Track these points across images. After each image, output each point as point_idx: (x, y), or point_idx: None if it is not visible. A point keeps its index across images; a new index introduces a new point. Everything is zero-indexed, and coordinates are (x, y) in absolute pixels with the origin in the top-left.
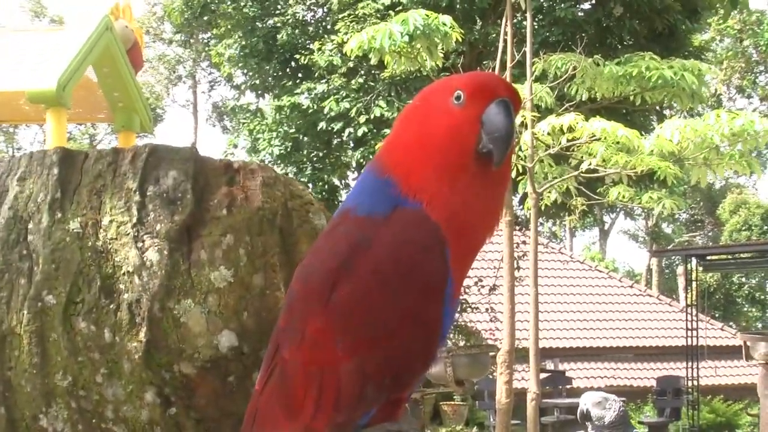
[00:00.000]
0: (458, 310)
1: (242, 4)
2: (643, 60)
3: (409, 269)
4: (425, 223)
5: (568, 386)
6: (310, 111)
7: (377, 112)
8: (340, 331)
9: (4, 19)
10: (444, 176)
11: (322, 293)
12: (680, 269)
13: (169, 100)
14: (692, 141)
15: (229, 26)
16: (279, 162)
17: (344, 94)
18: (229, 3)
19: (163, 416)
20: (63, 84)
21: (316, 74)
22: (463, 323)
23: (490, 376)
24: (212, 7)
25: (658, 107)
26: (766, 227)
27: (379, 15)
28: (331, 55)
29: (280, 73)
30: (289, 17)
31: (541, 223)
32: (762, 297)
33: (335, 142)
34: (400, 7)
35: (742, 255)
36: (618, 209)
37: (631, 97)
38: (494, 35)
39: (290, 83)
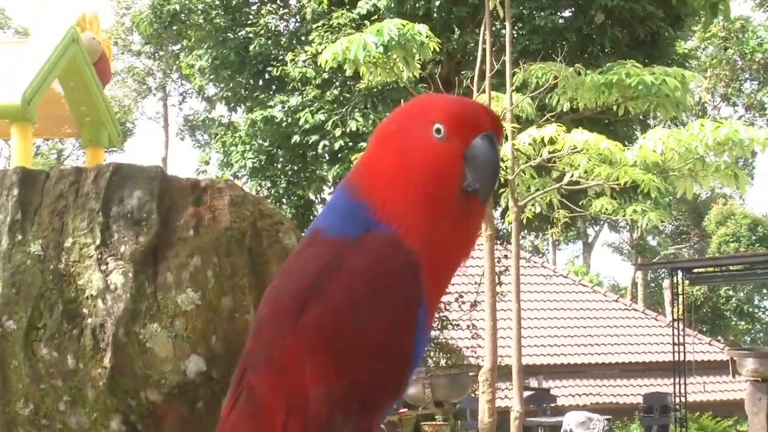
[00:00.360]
0: (439, 327)
1: (213, 14)
2: (624, 67)
3: (381, 293)
4: (398, 247)
5: (552, 404)
6: (284, 124)
7: (353, 125)
8: (308, 355)
9: None
10: (424, 211)
11: (290, 315)
12: (666, 283)
13: (138, 113)
14: (676, 151)
15: (199, 37)
16: (253, 176)
17: (319, 107)
18: (199, 13)
19: None
20: (28, 98)
21: (290, 86)
22: (443, 340)
23: (473, 395)
24: (182, 17)
25: (641, 117)
26: (754, 238)
27: (353, 25)
28: (305, 67)
29: (252, 85)
30: (261, 28)
31: (523, 237)
32: (750, 310)
33: (310, 155)
34: (376, 17)
35: (729, 267)
36: (602, 222)
37: (614, 107)
38: (473, 44)
39: (263, 95)
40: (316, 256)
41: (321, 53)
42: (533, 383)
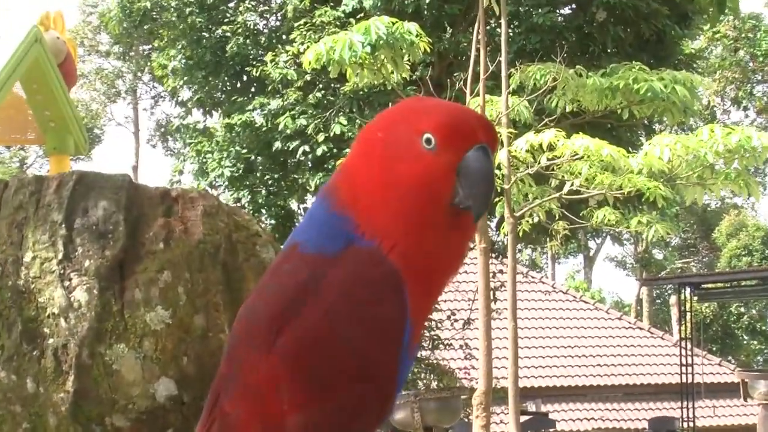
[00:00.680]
0: (430, 347)
1: (187, 11)
2: (631, 71)
3: (362, 312)
4: (382, 264)
5: (551, 429)
6: (264, 129)
7: (337, 129)
8: (286, 380)
9: None
10: (410, 227)
11: (266, 337)
12: (673, 299)
13: (106, 118)
14: (684, 159)
15: (172, 36)
16: (230, 185)
17: (301, 110)
18: (172, 11)
19: None
20: None
21: (270, 88)
22: (435, 361)
23: (465, 420)
24: (153, 15)
25: (646, 121)
26: (767, 252)
27: (338, 23)
28: (286, 68)
29: (229, 88)
30: (239, 26)
31: (520, 250)
32: (763, 328)
33: (292, 162)
34: (362, 15)
35: (741, 283)
36: (604, 234)
37: (618, 111)
38: (466, 44)
39: (241, 99)
40: (293, 273)
41: (303, 53)
42: (531, 407)
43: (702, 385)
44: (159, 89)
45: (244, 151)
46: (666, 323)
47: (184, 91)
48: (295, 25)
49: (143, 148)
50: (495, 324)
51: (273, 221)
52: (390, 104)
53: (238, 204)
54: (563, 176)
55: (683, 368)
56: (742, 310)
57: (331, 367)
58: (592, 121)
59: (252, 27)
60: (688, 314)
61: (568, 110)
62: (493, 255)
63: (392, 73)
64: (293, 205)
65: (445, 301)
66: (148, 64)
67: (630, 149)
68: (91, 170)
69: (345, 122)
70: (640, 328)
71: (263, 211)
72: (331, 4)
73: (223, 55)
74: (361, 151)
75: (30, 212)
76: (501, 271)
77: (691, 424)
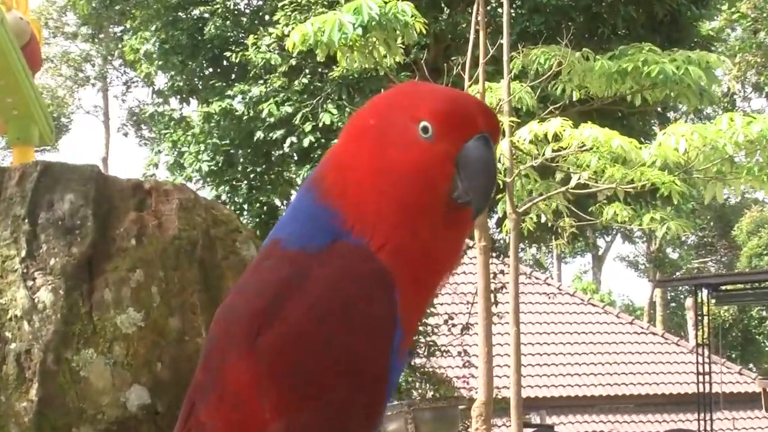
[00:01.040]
0: (425, 353)
1: None
2: (641, 52)
3: (348, 312)
4: (370, 261)
5: None
6: (245, 118)
7: (326, 118)
8: (267, 386)
9: None
10: (402, 222)
11: (245, 339)
12: (689, 302)
13: (74, 106)
14: (701, 150)
15: (146, 17)
16: (209, 180)
17: (286, 97)
18: None
19: None
20: None
21: (252, 74)
22: (430, 369)
23: None
24: None
25: (659, 108)
26: None
27: (326, 3)
28: (270, 51)
29: (208, 73)
30: (218, 6)
31: (523, 249)
32: None
33: (276, 154)
34: None
35: (762, 284)
36: (614, 231)
37: (628, 97)
38: (464, 25)
39: (221, 85)
40: (275, 271)
41: (288, 35)
42: (535, 419)
43: (720, 396)
44: (131, 75)
45: (224, 142)
46: (681, 328)
47: (158, 76)
48: (279, 4)
49: (114, 139)
50: (496, 329)
51: (255, 219)
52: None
53: (218, 200)
54: (570, 169)
55: (700, 377)
56: (764, 313)
57: (316, 367)
58: (601, 109)
59: (232, 7)
60: (705, 318)
61: (574, 97)
62: (494, 254)
63: (385, 56)
64: (277, 201)
65: (441, 304)
66: (119, 47)
67: (642, 139)
68: (57, 161)
69: (334, 110)
70: (654, 334)
71: (244, 208)
72: None
73: (200, 38)
74: (351, 139)
75: None
76: (502, 272)
77: None
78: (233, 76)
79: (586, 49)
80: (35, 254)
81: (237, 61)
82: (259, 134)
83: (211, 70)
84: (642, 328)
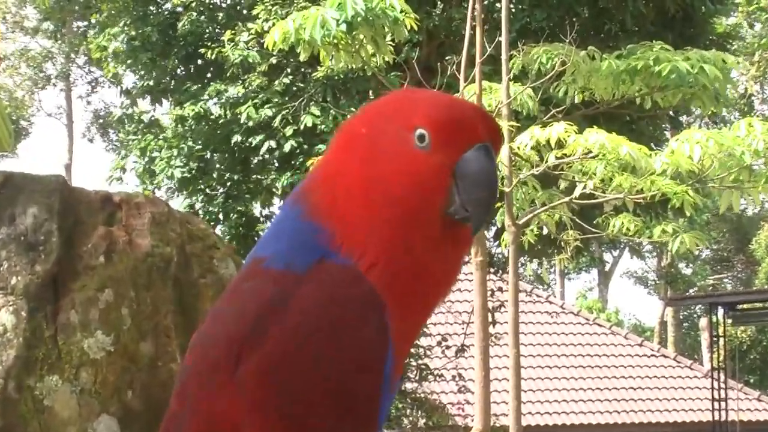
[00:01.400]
0: (417, 378)
1: None
2: (651, 51)
3: (337, 339)
4: (359, 283)
5: None
6: (221, 121)
7: (308, 121)
8: (248, 419)
9: None
10: (397, 239)
11: (224, 367)
12: (703, 322)
13: (35, 108)
14: (717, 158)
15: (113, 11)
16: (182, 188)
17: (265, 99)
18: None
19: None
20: None
21: (229, 73)
22: (422, 395)
23: None
24: None
25: (671, 112)
26: None
27: None
28: (248, 49)
29: (181, 72)
30: (192, 0)
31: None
32: None
33: (254, 160)
34: None
35: None
36: (622, 245)
37: (637, 100)
38: (459, 21)
39: (195, 85)
40: (256, 293)
41: (268, 32)
42: None
43: (737, 424)
44: (97, 74)
45: (198, 147)
46: (695, 350)
47: (127, 76)
48: None
49: (78, 143)
50: (493, 351)
51: (232, 232)
52: (370, 92)
53: (192, 210)
54: (574, 178)
55: (715, 404)
56: None
57: (302, 398)
58: (607, 113)
59: (207, 1)
60: (721, 340)
61: (579, 100)
62: (492, 270)
63: (373, 55)
64: (256, 210)
65: (435, 324)
66: (84, 44)
67: (653, 146)
68: (17, 170)
69: (317, 113)
70: (665, 356)
71: (221, 219)
72: None
73: (173, 34)
74: (340, 149)
75: None
76: (501, 289)
77: None
78: (208, 75)
79: (591, 48)
80: None
81: (213, 59)
82: (237, 138)
83: (184, 69)
84: (652, 350)
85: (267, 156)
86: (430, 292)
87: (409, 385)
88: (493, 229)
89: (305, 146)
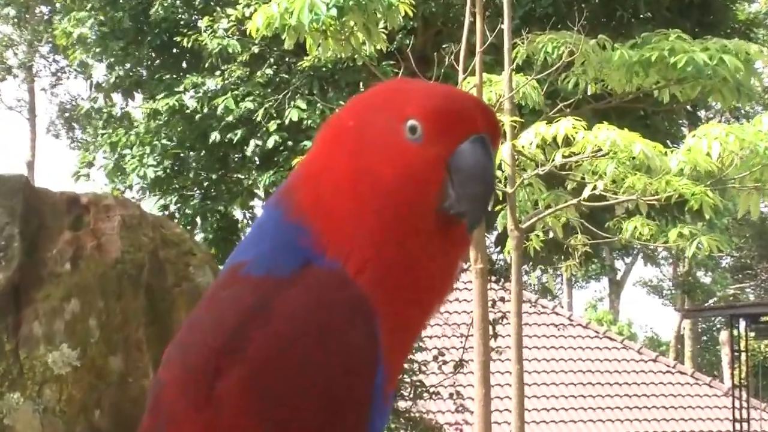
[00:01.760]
0: (411, 395)
1: None
2: (667, 40)
3: (323, 350)
4: (345, 288)
5: None
6: (199, 115)
7: (293, 115)
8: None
9: None
10: (386, 240)
11: (201, 381)
12: (724, 335)
13: None
14: (738, 155)
15: None
16: (155, 189)
17: (246, 91)
18: None
19: None
20: None
21: (206, 63)
22: (417, 414)
23: None
24: None
25: (689, 106)
26: None
27: None
28: (228, 37)
29: (155, 62)
30: None
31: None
32: None
33: (234, 158)
34: None
35: None
36: (635, 251)
37: (653, 93)
38: (458, 6)
39: (170, 76)
40: (235, 301)
41: (250, 18)
42: None
43: None
44: (62, 64)
45: (173, 143)
46: (714, 366)
47: (95, 67)
48: None
49: (42, 139)
50: (494, 367)
51: (210, 236)
52: (361, 84)
53: (166, 213)
54: (583, 178)
55: (737, 425)
56: None
57: (285, 415)
58: (620, 107)
59: None
60: (743, 355)
61: (588, 92)
62: (493, 278)
63: (364, 43)
64: (236, 213)
65: (430, 337)
66: (49, 31)
67: (669, 143)
68: None
69: (303, 107)
70: (681, 373)
71: (197, 222)
72: None
73: (146, 21)
74: (326, 144)
75: None
76: (502, 299)
77: None
78: (184, 66)
79: (602, 36)
80: None
81: (189, 48)
82: (215, 135)
83: (158, 58)
84: (668, 366)
85: (248, 153)
86: (424, 297)
87: (402, 404)
88: (495, 233)
89: (289, 143)
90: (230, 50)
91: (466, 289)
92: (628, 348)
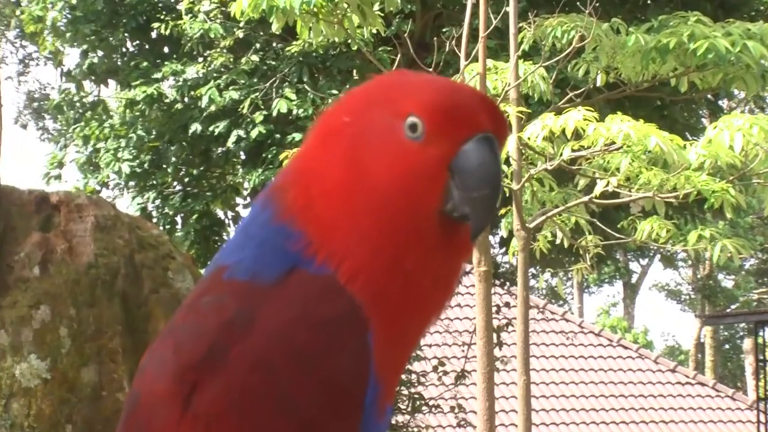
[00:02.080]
0: (409, 408)
1: None
2: (686, 24)
3: (307, 366)
4: (336, 296)
5: None
6: (178, 106)
7: (281, 106)
8: None
9: None
10: (382, 244)
11: (176, 397)
12: (748, 344)
13: None
14: (762, 148)
15: None
16: (131, 184)
17: (230, 80)
18: None
19: None
20: None
21: (186, 49)
22: (416, 429)
23: None
24: None
25: (709, 95)
26: None
27: None
28: (210, 20)
29: (131, 48)
30: None
31: (535, 275)
32: None
33: (217, 152)
34: None
35: None
36: (651, 253)
37: (670, 81)
38: None
39: (146, 64)
40: (216, 309)
41: (234, 0)
42: None
43: None
44: (31, 50)
45: (151, 136)
46: (737, 377)
47: (66, 53)
48: None
49: (8, 131)
50: (499, 378)
51: (191, 237)
52: (355, 71)
53: (143, 213)
54: (594, 174)
55: None
56: None
57: None
58: (634, 96)
59: None
60: None
61: (601, 81)
62: (498, 282)
63: (359, 27)
64: (219, 212)
65: (430, 345)
66: (17, 15)
67: (688, 135)
68: None
69: (292, 96)
70: (702, 384)
71: (177, 222)
72: None
73: (121, 3)
74: (319, 141)
75: None
76: (508, 305)
77: None
78: (163, 52)
79: (615, 20)
80: None
81: (167, 33)
82: (196, 126)
83: (134, 44)
84: (687, 377)
85: (232, 147)
86: (423, 306)
87: (400, 418)
88: (499, 234)
89: (277, 136)
90: (212, 35)
91: (468, 293)
92: (644, 357)
